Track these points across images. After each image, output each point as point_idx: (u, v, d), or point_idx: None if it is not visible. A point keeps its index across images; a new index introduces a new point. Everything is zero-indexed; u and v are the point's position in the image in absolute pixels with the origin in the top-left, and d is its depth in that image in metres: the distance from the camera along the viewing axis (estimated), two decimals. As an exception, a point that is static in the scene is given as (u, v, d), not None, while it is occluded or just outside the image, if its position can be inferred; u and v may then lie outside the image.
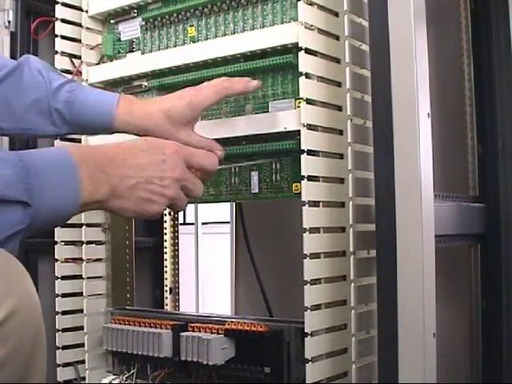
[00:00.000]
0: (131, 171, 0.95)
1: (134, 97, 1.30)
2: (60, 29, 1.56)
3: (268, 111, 1.28)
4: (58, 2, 1.56)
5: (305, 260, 1.17)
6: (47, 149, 0.91)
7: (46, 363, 1.03)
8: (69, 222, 1.52)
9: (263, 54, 1.28)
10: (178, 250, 2.24)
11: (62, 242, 1.57)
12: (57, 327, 1.55)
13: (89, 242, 1.57)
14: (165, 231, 2.20)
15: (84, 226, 1.56)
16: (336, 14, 1.26)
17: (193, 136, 1.19)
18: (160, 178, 0.97)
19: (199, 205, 2.70)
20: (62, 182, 0.86)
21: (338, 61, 1.26)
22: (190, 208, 3.93)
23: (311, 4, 1.21)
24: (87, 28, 1.55)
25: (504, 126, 1.32)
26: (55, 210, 0.85)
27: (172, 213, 2.21)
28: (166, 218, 2.20)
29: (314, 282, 1.18)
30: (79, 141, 1.54)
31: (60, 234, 1.57)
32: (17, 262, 0.81)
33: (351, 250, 1.22)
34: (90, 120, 1.23)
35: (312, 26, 1.21)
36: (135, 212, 0.97)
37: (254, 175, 1.30)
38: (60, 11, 1.56)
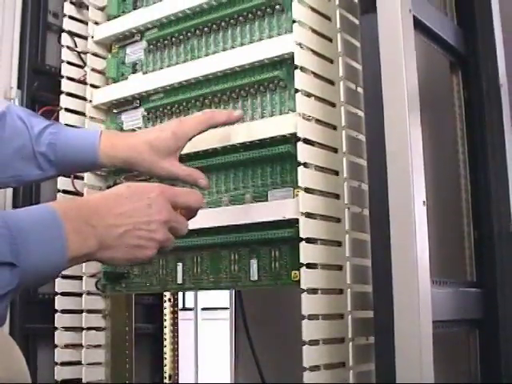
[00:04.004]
0: (117, 220, 0.92)
1: (115, 131, 1.30)
2: (64, 118, 1.59)
3: (267, 200, 1.30)
4: (62, 92, 1.61)
5: (304, 347, 1.16)
6: (31, 207, 0.88)
7: None
8: (69, 308, 1.56)
9: (262, 143, 1.30)
10: (177, 336, 2.23)
11: (62, 327, 1.56)
12: (55, 414, 1.54)
13: (89, 328, 1.56)
14: (164, 317, 2.20)
15: (84, 312, 1.55)
16: (333, 105, 1.29)
17: (176, 165, 1.22)
18: (147, 223, 0.94)
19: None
20: (47, 240, 0.83)
21: (335, 150, 1.28)
22: (190, 294, 3.92)
23: (309, 95, 1.24)
24: (91, 117, 1.59)
25: (500, 211, 1.34)
26: (43, 268, 0.83)
27: (172, 299, 2.21)
28: (165, 305, 2.20)
29: (313, 368, 1.18)
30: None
31: (60, 319, 1.56)
32: (9, 338, 0.81)
33: (350, 336, 1.23)
34: (74, 158, 1.24)
35: (310, 116, 1.24)
36: (127, 260, 0.94)
37: (254, 263, 1.30)
38: (64, 101, 1.61)
